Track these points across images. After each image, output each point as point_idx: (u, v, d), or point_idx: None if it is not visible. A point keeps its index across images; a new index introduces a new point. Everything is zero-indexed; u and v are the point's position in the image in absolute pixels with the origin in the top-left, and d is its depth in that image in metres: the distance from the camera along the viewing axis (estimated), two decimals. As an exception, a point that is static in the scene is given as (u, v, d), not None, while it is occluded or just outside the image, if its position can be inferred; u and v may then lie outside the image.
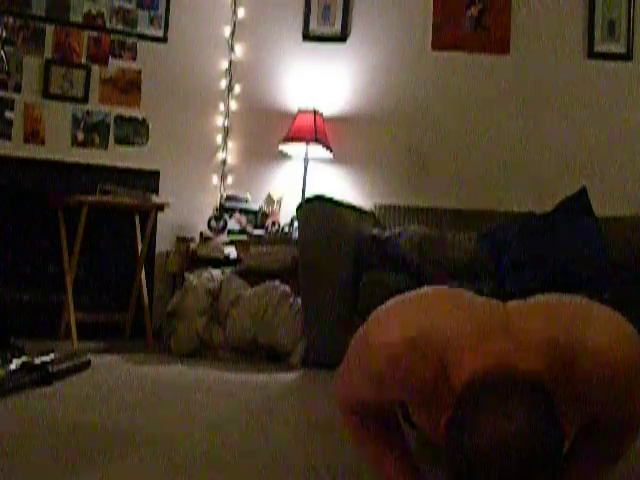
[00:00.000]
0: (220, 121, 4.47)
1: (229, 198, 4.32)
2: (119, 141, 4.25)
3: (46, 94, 4.10)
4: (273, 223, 4.14)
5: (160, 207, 3.86)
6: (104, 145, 4.22)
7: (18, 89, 4.06)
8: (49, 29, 4.12)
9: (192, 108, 4.40)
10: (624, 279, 3.36)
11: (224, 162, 4.47)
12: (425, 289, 1.30)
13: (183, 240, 4.11)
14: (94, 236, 3.92)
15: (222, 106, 4.47)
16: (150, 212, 3.89)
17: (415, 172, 4.35)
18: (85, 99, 4.18)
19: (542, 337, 1.11)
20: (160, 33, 4.34)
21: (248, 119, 4.48)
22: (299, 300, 3.43)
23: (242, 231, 4.13)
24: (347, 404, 1.36)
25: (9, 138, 4.03)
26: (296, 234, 3.74)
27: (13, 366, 2.44)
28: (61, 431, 1.87)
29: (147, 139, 4.31)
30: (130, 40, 4.27)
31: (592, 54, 4.24)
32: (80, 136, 4.18)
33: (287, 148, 4.29)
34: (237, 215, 4.20)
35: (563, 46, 4.28)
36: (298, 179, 4.27)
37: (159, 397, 2.43)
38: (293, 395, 2.65)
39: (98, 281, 4.10)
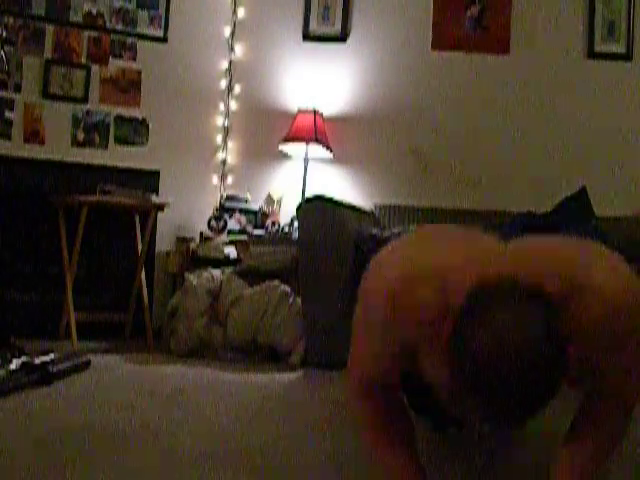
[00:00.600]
0: (220, 121, 4.47)
1: (229, 198, 4.32)
2: (119, 141, 4.25)
3: (46, 94, 4.10)
4: (273, 223, 4.14)
5: (160, 207, 3.86)
6: (104, 145, 4.22)
7: (18, 89, 4.06)
8: (49, 29, 4.12)
9: (192, 108, 4.40)
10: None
11: (224, 162, 4.47)
12: (419, 229, 1.29)
13: (183, 240, 4.11)
14: (94, 236, 3.92)
15: (222, 106, 4.47)
16: (150, 212, 3.88)
17: (415, 172, 4.35)
18: (85, 99, 4.18)
19: (546, 265, 1.10)
20: (160, 33, 4.34)
21: (248, 119, 4.48)
22: (299, 300, 3.43)
23: (242, 231, 4.13)
24: (360, 380, 1.33)
25: (9, 138, 4.03)
26: (296, 234, 3.75)
27: (13, 366, 2.44)
28: (61, 431, 1.87)
29: (147, 139, 4.31)
30: (130, 40, 4.27)
31: (592, 54, 4.24)
32: (80, 136, 4.18)
33: (287, 148, 4.29)
34: (237, 215, 4.20)
35: (563, 46, 4.28)
36: (298, 179, 4.27)
37: (159, 397, 2.43)
38: (293, 395, 2.65)
39: (98, 281, 4.10)
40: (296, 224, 3.78)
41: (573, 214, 3.58)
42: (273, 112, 4.44)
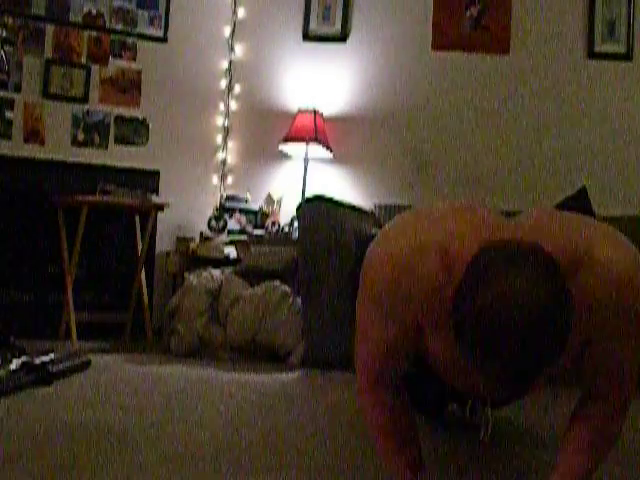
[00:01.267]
0: (220, 121, 4.47)
1: (229, 198, 4.32)
2: (119, 141, 4.25)
3: (46, 94, 4.10)
4: (273, 223, 4.14)
5: (160, 207, 3.86)
6: (104, 145, 4.22)
7: (18, 89, 4.06)
8: (49, 29, 4.12)
9: (192, 108, 4.40)
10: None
11: (224, 162, 4.47)
12: (425, 207, 1.30)
13: (183, 240, 4.11)
14: (94, 236, 3.92)
15: (222, 106, 4.47)
16: (150, 212, 3.88)
17: (415, 172, 4.35)
18: (85, 99, 4.18)
19: (553, 235, 1.11)
20: (160, 33, 4.34)
21: (248, 119, 4.48)
22: (299, 300, 3.43)
23: (242, 231, 4.13)
24: (368, 368, 1.33)
25: (9, 138, 4.03)
26: (296, 234, 3.75)
27: (13, 366, 2.44)
28: (61, 431, 1.87)
29: (147, 139, 4.31)
30: (130, 40, 4.27)
31: (592, 54, 4.24)
32: (80, 136, 4.18)
33: (287, 148, 4.29)
34: (237, 215, 4.20)
35: (563, 46, 4.28)
36: (298, 179, 4.27)
37: (159, 397, 2.43)
38: (293, 395, 2.64)
39: (98, 281, 4.10)
40: (296, 224, 3.78)
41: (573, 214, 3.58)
42: (273, 112, 4.44)
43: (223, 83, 4.47)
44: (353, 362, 1.38)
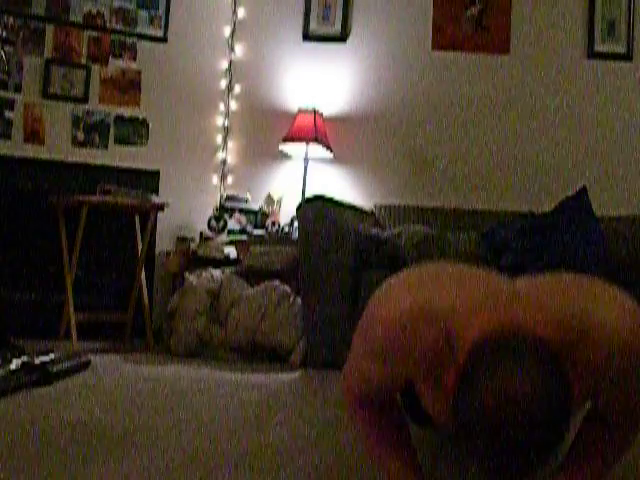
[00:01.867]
0: (220, 121, 4.47)
1: (229, 198, 4.32)
2: (119, 141, 4.25)
3: (46, 94, 4.10)
4: (273, 223, 4.14)
5: (160, 207, 3.86)
6: (104, 145, 4.22)
7: (18, 89, 4.06)
8: (49, 29, 4.12)
9: (192, 108, 4.40)
10: (624, 279, 3.36)
11: (224, 162, 4.47)
12: (429, 264, 1.29)
13: (183, 240, 4.11)
14: (94, 236, 3.92)
15: (222, 106, 4.47)
16: (150, 212, 3.89)
17: (415, 172, 4.35)
18: (85, 99, 4.18)
19: (552, 306, 1.11)
20: (160, 33, 4.34)
21: (248, 119, 4.48)
22: (299, 300, 3.43)
23: (242, 231, 4.13)
24: (354, 394, 1.34)
25: (9, 138, 4.03)
26: (296, 234, 3.75)
27: (13, 366, 2.44)
28: (61, 431, 1.87)
29: (147, 139, 4.31)
30: (130, 40, 4.27)
31: (592, 54, 4.24)
32: (80, 136, 4.18)
33: (287, 148, 4.29)
34: (237, 215, 4.20)
35: (563, 46, 4.28)
36: (298, 179, 4.27)
37: (159, 397, 2.43)
38: (293, 395, 2.65)
39: (98, 281, 4.10)
40: (296, 224, 3.78)
41: (573, 214, 3.58)
42: (273, 112, 4.44)
43: (223, 83, 4.48)
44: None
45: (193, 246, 4.01)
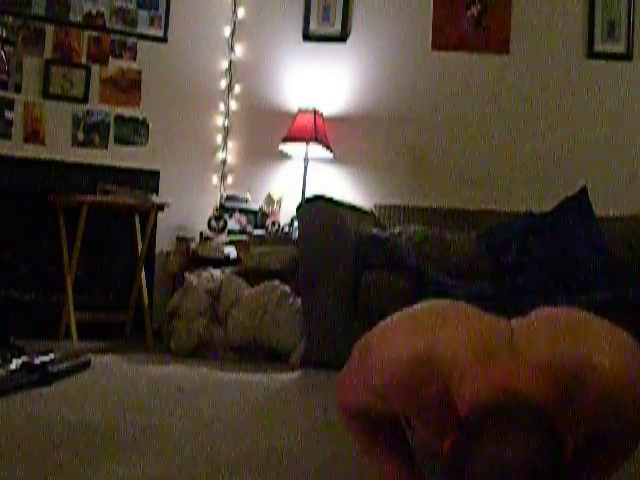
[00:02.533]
0: (220, 121, 4.47)
1: (229, 198, 4.32)
2: (119, 141, 4.25)
3: (46, 94, 4.10)
4: (273, 223, 4.13)
5: (160, 207, 3.86)
6: (104, 145, 4.22)
7: (18, 89, 4.06)
8: (49, 29, 4.12)
9: (192, 108, 4.40)
10: (624, 279, 3.36)
11: (224, 162, 4.47)
12: (431, 303, 1.31)
13: (183, 240, 4.11)
14: (94, 236, 3.92)
15: (222, 106, 4.47)
16: (150, 212, 3.88)
17: (415, 172, 4.35)
18: (85, 99, 4.18)
19: (547, 357, 1.13)
20: (160, 33, 4.34)
21: (248, 119, 4.48)
22: (299, 300, 3.43)
23: (242, 231, 4.13)
24: (349, 408, 1.36)
25: (9, 138, 4.03)
26: (296, 234, 3.75)
27: (13, 366, 2.44)
28: (60, 431, 1.87)
29: (147, 139, 4.31)
30: (130, 40, 4.27)
31: (592, 54, 4.24)
32: (80, 136, 4.18)
33: (287, 148, 4.29)
34: (237, 215, 4.20)
35: (563, 46, 4.28)
36: (298, 179, 4.27)
37: (159, 397, 2.43)
38: (293, 395, 2.65)
39: (98, 281, 4.10)
40: (296, 224, 3.78)
41: (573, 214, 3.58)
42: (273, 112, 4.44)
43: (223, 83, 4.47)
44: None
45: (193, 246, 4.01)
